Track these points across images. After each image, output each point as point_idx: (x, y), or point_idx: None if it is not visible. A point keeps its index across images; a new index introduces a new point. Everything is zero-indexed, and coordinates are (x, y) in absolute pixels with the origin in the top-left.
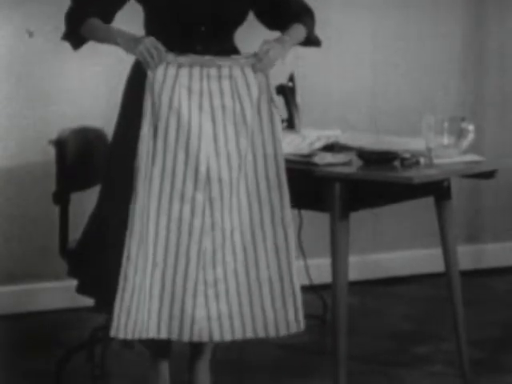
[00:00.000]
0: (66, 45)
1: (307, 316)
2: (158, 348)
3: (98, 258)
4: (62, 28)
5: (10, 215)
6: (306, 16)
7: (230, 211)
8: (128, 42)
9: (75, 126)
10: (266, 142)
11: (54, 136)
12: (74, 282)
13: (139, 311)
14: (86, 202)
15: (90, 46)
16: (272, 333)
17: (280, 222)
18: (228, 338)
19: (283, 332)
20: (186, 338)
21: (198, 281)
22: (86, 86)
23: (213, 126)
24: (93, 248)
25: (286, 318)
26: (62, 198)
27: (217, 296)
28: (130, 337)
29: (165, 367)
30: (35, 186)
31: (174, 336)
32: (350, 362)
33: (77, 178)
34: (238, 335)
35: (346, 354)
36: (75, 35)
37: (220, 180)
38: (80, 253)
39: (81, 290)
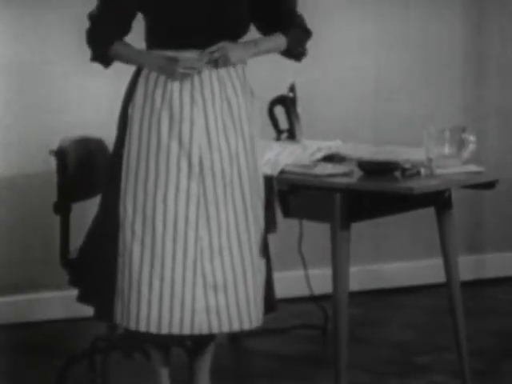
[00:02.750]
0: (68, 56)
1: (308, 326)
2: (159, 356)
3: (98, 267)
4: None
5: (11, 225)
6: (296, 30)
7: (225, 204)
8: (162, 68)
9: (76, 136)
10: (247, 146)
11: (55, 146)
12: (74, 292)
13: (141, 302)
14: (86, 211)
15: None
16: (260, 321)
17: (261, 222)
18: (226, 329)
19: (260, 322)
20: (186, 331)
21: (196, 272)
22: (88, 96)
23: (204, 117)
24: (94, 256)
25: (261, 307)
26: (62, 208)
27: (215, 287)
28: (143, 329)
29: (165, 376)
30: (36, 196)
31: (175, 330)
32: (351, 372)
33: (78, 188)
34: (236, 327)
35: (346, 364)
36: (104, 56)
37: (213, 172)
38: (81, 261)
39: (81, 298)
